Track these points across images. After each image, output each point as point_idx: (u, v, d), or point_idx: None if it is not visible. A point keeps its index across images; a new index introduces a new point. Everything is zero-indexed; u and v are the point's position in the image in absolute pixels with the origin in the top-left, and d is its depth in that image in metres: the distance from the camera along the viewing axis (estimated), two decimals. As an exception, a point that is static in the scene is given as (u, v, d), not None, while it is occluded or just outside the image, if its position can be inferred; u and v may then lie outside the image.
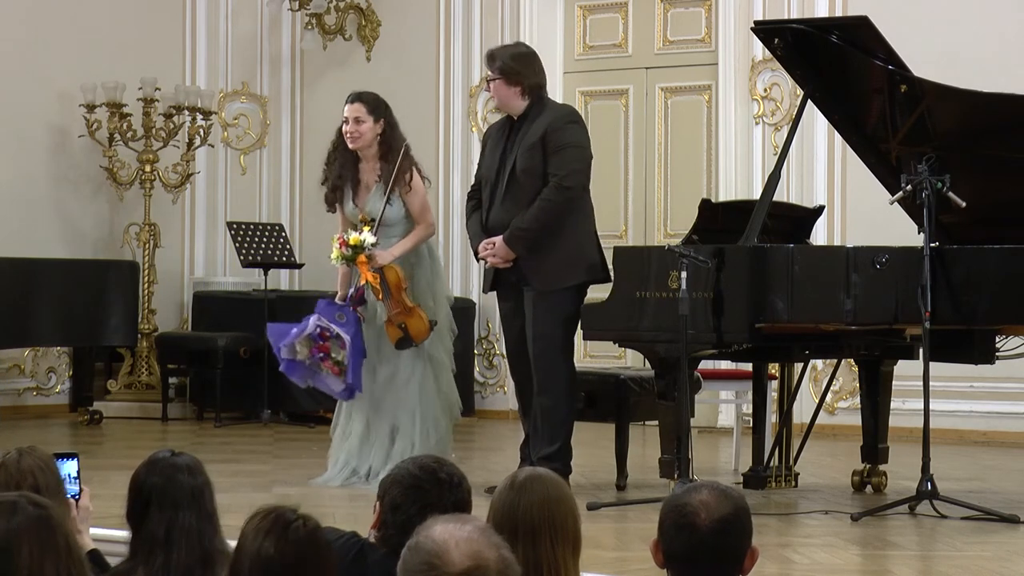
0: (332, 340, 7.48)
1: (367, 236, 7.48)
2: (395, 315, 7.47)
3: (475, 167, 10.81)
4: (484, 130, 7.75)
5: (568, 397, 7.31)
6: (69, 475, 3.98)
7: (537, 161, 7.22)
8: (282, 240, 11.36)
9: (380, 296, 7.48)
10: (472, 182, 7.74)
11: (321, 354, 7.50)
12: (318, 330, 7.50)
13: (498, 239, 7.24)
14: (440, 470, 3.49)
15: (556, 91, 11.38)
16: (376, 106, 7.63)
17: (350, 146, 7.63)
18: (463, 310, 10.37)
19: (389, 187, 7.51)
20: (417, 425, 7.55)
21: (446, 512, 3.32)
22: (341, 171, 7.67)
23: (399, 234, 7.60)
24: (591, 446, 8.09)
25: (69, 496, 3.87)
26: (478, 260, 7.56)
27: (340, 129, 7.72)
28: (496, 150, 7.40)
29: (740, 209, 7.51)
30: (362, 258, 7.46)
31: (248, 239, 11.19)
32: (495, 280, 7.42)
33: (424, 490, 3.44)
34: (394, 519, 3.43)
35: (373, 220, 7.55)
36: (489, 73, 7.39)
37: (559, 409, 7.24)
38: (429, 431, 7.56)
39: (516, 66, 7.33)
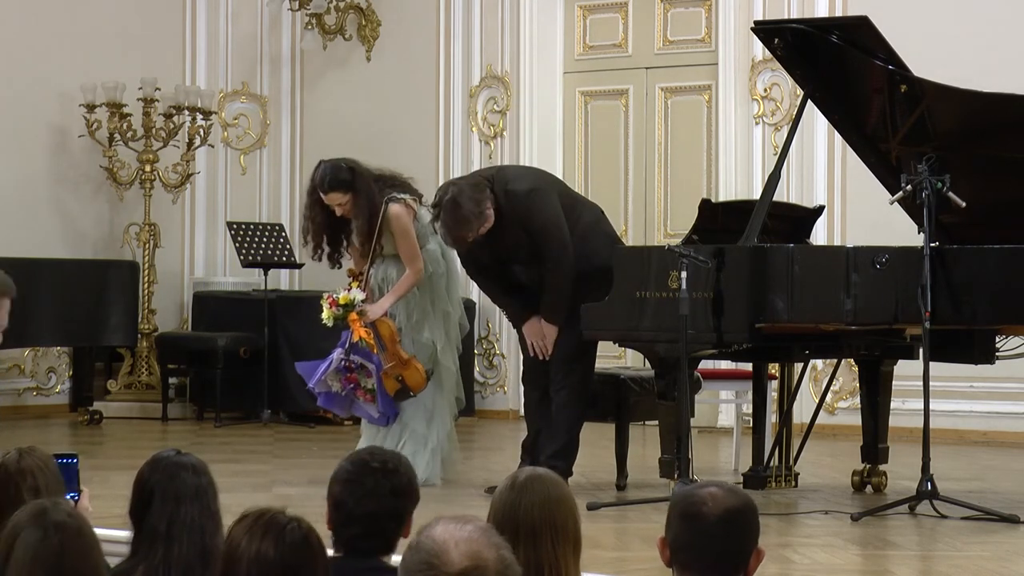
0: (358, 371, 7.53)
1: (356, 293, 7.52)
2: (391, 368, 7.50)
3: (474, 166, 10.87)
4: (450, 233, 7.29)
5: (581, 398, 7.43)
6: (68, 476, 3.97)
7: (528, 245, 7.32)
8: (282, 240, 11.36)
9: (376, 350, 7.52)
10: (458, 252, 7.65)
11: (352, 384, 7.56)
12: (343, 363, 7.55)
13: (544, 327, 7.37)
14: (372, 460, 3.54)
15: (556, 91, 11.42)
16: (344, 183, 7.51)
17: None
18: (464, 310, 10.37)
19: (374, 245, 7.53)
20: (434, 430, 7.63)
21: (384, 499, 3.40)
22: (342, 233, 7.67)
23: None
24: (591, 446, 8.09)
25: (68, 497, 3.86)
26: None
27: (314, 201, 7.61)
28: (482, 246, 7.36)
29: (740, 209, 7.51)
30: (353, 315, 7.49)
31: (248, 239, 11.19)
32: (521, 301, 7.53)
33: (359, 482, 3.48)
34: (338, 516, 3.49)
35: (361, 275, 7.59)
36: (470, 234, 7.19)
37: (571, 409, 7.37)
38: (439, 435, 7.64)
39: (477, 211, 7.19)
